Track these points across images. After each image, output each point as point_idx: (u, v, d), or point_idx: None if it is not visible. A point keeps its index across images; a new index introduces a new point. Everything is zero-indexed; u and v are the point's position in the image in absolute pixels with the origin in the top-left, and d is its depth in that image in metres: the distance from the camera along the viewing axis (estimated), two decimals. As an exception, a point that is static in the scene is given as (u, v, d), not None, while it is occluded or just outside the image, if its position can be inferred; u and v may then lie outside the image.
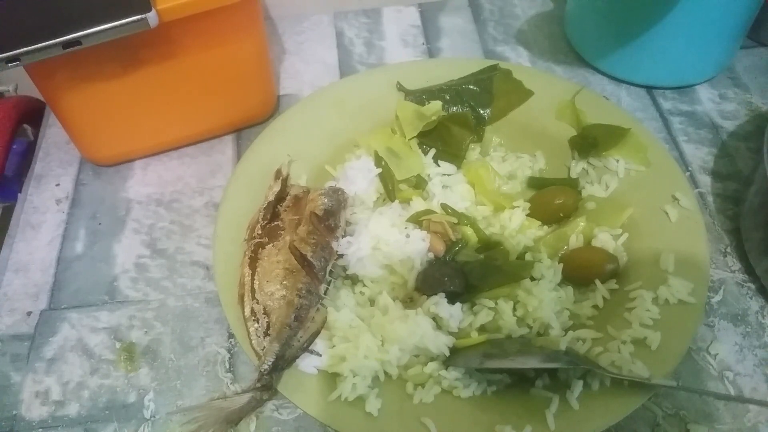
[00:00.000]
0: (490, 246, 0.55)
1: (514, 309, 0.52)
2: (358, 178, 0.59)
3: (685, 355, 0.49)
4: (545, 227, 0.58)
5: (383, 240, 0.53)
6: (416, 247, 0.53)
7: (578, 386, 0.47)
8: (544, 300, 0.51)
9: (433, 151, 0.62)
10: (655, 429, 0.49)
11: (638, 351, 0.48)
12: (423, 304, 0.51)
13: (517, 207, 0.58)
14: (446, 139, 0.62)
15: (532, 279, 0.53)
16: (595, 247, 0.55)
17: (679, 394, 0.50)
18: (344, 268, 0.54)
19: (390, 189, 0.60)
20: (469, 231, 0.56)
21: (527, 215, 0.58)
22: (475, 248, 0.56)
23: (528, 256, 0.55)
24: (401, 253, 0.53)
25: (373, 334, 0.50)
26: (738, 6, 0.64)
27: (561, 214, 0.58)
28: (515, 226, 0.56)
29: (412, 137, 0.62)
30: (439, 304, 0.51)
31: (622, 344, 0.49)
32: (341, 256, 0.54)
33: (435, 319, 0.51)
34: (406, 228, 0.55)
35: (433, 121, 0.62)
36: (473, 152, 0.63)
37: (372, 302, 0.53)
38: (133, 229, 0.63)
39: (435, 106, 0.65)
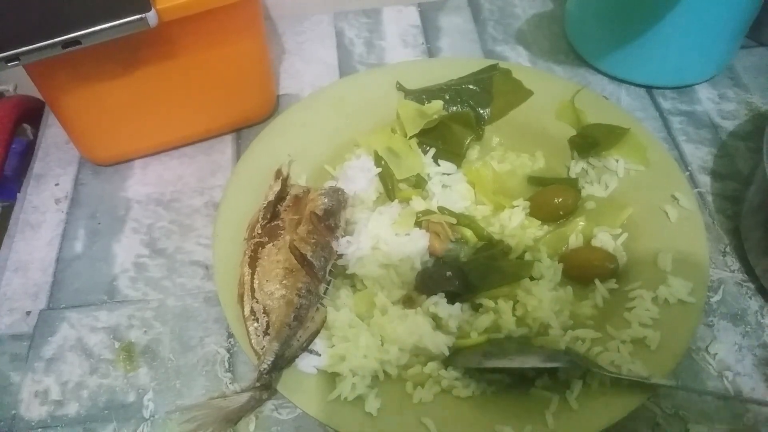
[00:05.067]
0: (490, 245, 0.55)
1: (514, 309, 0.52)
2: (358, 178, 0.59)
3: (685, 355, 0.49)
4: (545, 227, 0.58)
5: (383, 240, 0.53)
6: (416, 246, 0.53)
7: (578, 386, 0.47)
8: (544, 300, 0.51)
9: (432, 151, 0.62)
10: (655, 429, 0.49)
11: (638, 351, 0.48)
12: (422, 304, 0.51)
13: (517, 206, 0.58)
14: (447, 138, 0.62)
15: (532, 279, 0.53)
16: (594, 247, 0.55)
17: (678, 394, 0.50)
18: (344, 268, 0.54)
19: (390, 188, 0.59)
20: (468, 232, 0.56)
21: (527, 214, 0.58)
22: (474, 248, 0.56)
23: (528, 256, 0.55)
24: (401, 252, 0.53)
25: (373, 334, 0.50)
26: (738, 6, 0.64)
27: (561, 213, 0.58)
28: (515, 225, 0.56)
29: (413, 135, 0.62)
30: (438, 304, 0.51)
31: (621, 344, 0.49)
32: (341, 255, 0.54)
33: (434, 318, 0.51)
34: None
35: (434, 120, 0.62)
36: (473, 151, 0.63)
37: (371, 303, 0.53)
38: (132, 228, 0.63)
39: (436, 105, 0.65)
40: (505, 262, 0.54)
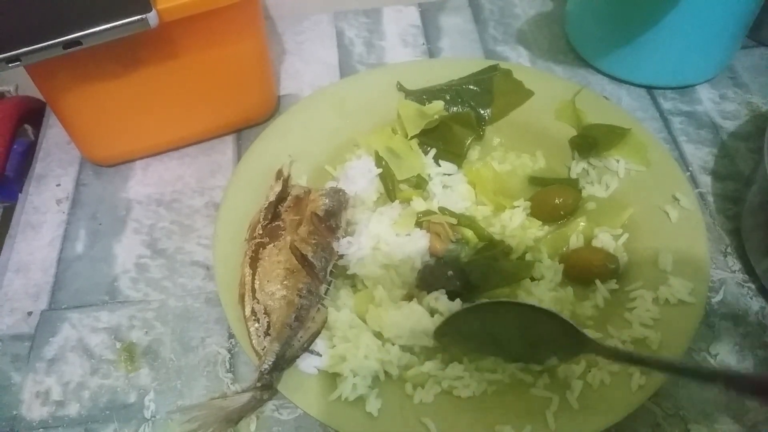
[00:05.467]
0: (490, 246, 0.55)
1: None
2: (359, 178, 0.59)
3: (685, 355, 0.49)
4: (545, 227, 0.58)
5: (383, 240, 0.53)
6: (416, 246, 0.53)
7: (578, 386, 0.47)
8: (545, 300, 0.51)
9: (433, 151, 0.62)
10: (655, 429, 0.49)
11: (638, 351, 0.48)
12: (423, 299, 0.52)
13: (518, 207, 0.58)
14: (448, 138, 0.62)
15: (533, 279, 0.53)
16: (595, 247, 0.55)
17: (679, 394, 0.50)
18: (345, 269, 0.54)
19: (390, 189, 0.60)
20: (469, 232, 0.56)
21: (528, 215, 0.58)
22: (475, 249, 0.56)
23: (528, 256, 0.55)
24: (401, 252, 0.53)
25: (369, 328, 0.50)
26: (738, 6, 0.64)
27: (561, 213, 0.58)
28: (516, 225, 0.56)
29: (414, 135, 0.62)
30: (439, 299, 0.51)
31: (622, 344, 0.49)
32: (342, 256, 0.54)
33: (434, 313, 0.51)
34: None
35: (435, 120, 0.62)
36: (474, 152, 0.63)
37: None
38: (133, 229, 0.63)
39: (437, 106, 0.65)
40: (506, 263, 0.54)
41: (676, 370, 0.44)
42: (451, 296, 0.52)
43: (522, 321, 0.46)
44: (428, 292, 0.52)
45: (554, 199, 0.58)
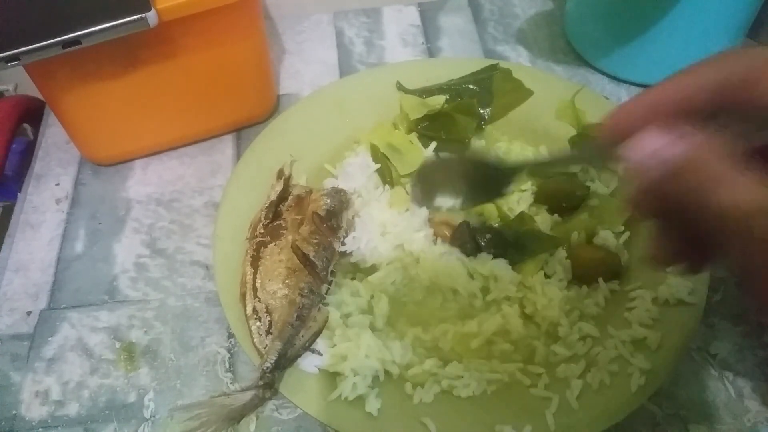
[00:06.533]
0: (509, 223, 0.57)
1: (523, 307, 0.52)
2: (357, 174, 0.59)
3: (685, 355, 0.49)
4: (549, 219, 0.58)
5: (390, 223, 0.54)
6: (420, 218, 0.55)
7: (578, 386, 0.47)
8: (554, 298, 0.51)
9: (434, 144, 0.62)
10: (654, 429, 0.49)
11: (638, 351, 0.48)
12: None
13: (526, 190, 0.59)
14: (450, 128, 0.62)
15: (547, 276, 0.53)
16: (598, 246, 0.55)
17: (679, 394, 0.50)
18: (356, 265, 0.55)
19: (389, 183, 0.60)
20: (486, 209, 0.57)
21: (534, 201, 0.58)
22: (497, 222, 0.57)
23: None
24: (409, 227, 0.54)
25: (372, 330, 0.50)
26: (737, 6, 0.64)
27: (564, 205, 0.58)
28: (522, 209, 0.57)
29: (417, 124, 0.62)
30: (485, 260, 0.53)
31: (622, 344, 0.49)
32: (343, 254, 0.54)
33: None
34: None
35: (436, 109, 0.62)
36: (477, 144, 0.63)
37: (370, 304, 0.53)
38: (133, 228, 0.63)
39: (439, 99, 0.64)
40: (539, 231, 0.55)
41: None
42: (496, 255, 0.54)
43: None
44: (467, 255, 0.54)
45: (562, 189, 0.58)
